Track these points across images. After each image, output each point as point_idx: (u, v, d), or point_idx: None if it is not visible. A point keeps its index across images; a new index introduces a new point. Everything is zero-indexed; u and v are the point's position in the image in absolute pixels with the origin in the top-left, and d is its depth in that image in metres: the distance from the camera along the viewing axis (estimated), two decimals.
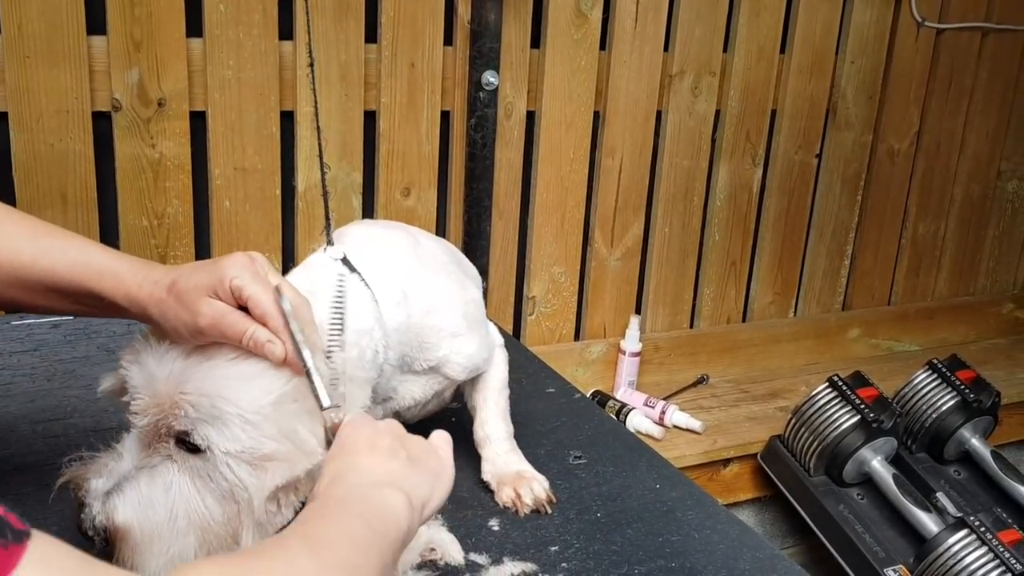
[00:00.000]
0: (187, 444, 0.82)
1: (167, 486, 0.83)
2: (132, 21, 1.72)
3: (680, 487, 1.24)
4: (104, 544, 0.84)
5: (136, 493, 0.82)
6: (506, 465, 1.17)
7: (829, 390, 2.13)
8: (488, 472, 1.18)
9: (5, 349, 1.48)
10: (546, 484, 1.16)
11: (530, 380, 1.55)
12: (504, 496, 1.15)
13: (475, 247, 2.13)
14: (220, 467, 0.81)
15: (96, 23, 1.71)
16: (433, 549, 1.04)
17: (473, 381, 1.18)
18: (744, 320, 2.65)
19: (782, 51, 2.45)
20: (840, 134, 2.61)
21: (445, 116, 2.08)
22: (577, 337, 2.42)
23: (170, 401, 0.82)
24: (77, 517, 0.85)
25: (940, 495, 2.07)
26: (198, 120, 1.84)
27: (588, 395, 2.00)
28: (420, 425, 1.30)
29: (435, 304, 1.08)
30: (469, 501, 1.16)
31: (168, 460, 0.83)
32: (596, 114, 2.25)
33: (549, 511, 1.14)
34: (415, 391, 1.09)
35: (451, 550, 1.04)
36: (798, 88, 2.49)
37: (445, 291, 1.10)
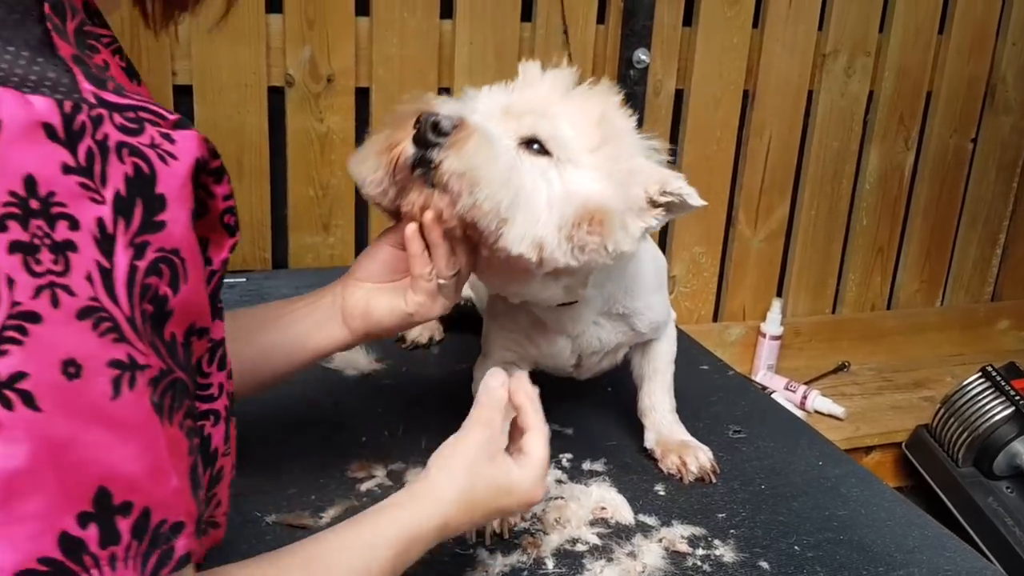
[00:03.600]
0: (536, 147, 0.92)
1: (509, 149, 0.91)
2: (306, 1, 1.80)
3: (843, 465, 1.23)
4: (436, 141, 0.85)
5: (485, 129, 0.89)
6: (671, 434, 1.20)
7: (982, 380, 2.07)
8: (652, 440, 1.20)
9: None
10: (710, 454, 1.18)
11: (683, 357, 1.55)
12: (669, 463, 1.17)
13: None
14: (560, 167, 0.91)
15: (273, 2, 1.80)
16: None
17: (643, 351, 1.20)
18: (888, 308, 2.59)
19: (940, 31, 2.38)
20: (997, 118, 2.52)
21: None
22: (716, 319, 2.42)
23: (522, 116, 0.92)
24: (417, 130, 0.87)
25: None
26: (361, 96, 1.92)
27: None
28: (582, 387, 1.34)
29: (642, 256, 1.11)
30: (634, 467, 1.18)
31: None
32: (745, 93, 2.23)
33: (714, 480, 1.16)
34: (602, 335, 1.13)
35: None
36: (955, 70, 2.41)
37: (648, 249, 1.14)
